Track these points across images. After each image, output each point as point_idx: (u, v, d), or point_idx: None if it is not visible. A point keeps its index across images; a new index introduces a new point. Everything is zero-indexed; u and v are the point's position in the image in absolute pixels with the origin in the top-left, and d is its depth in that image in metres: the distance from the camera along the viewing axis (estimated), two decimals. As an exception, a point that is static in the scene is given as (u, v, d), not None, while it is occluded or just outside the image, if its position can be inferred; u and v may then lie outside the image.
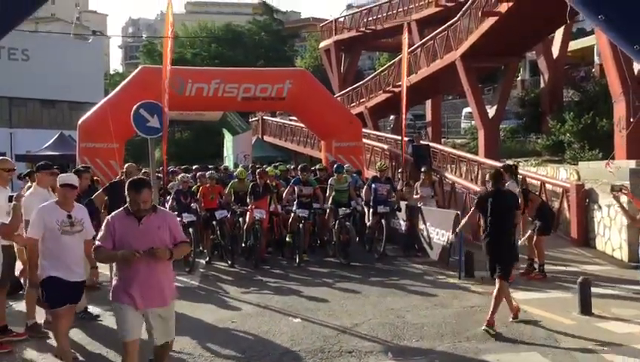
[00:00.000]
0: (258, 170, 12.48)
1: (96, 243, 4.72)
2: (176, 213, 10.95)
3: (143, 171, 14.45)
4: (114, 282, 4.79)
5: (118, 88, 18.94)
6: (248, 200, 11.20)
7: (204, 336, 6.71)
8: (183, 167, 19.32)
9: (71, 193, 5.40)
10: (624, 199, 7.51)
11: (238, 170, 13.19)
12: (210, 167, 17.83)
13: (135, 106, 9.90)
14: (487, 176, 7.47)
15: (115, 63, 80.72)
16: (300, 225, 11.26)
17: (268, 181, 11.63)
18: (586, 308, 7.35)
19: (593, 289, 7.62)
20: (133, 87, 17.31)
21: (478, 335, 6.57)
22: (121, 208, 4.75)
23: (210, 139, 36.17)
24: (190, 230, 10.39)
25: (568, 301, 7.86)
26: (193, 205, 11.18)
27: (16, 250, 6.72)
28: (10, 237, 6.14)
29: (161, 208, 5.05)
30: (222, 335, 6.77)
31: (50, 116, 38.59)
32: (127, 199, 4.68)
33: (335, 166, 12.54)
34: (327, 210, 11.88)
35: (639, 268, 8.98)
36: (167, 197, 11.84)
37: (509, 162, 15.84)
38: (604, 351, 6.00)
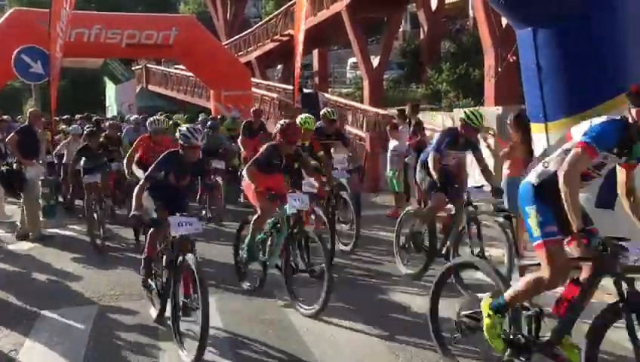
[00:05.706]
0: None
1: None
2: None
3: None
4: None
5: (-14, 32, 17.61)
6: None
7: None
8: (64, 117, 18.49)
9: None
10: (491, 140, 8.47)
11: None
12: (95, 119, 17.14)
13: (16, 52, 9.49)
14: None
15: (-26, 5, 73.07)
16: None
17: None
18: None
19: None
20: (3, 32, 16.22)
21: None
22: None
23: (89, 87, 34.39)
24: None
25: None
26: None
27: None
28: None
29: None
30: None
31: None
32: None
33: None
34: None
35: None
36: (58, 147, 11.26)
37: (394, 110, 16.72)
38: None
